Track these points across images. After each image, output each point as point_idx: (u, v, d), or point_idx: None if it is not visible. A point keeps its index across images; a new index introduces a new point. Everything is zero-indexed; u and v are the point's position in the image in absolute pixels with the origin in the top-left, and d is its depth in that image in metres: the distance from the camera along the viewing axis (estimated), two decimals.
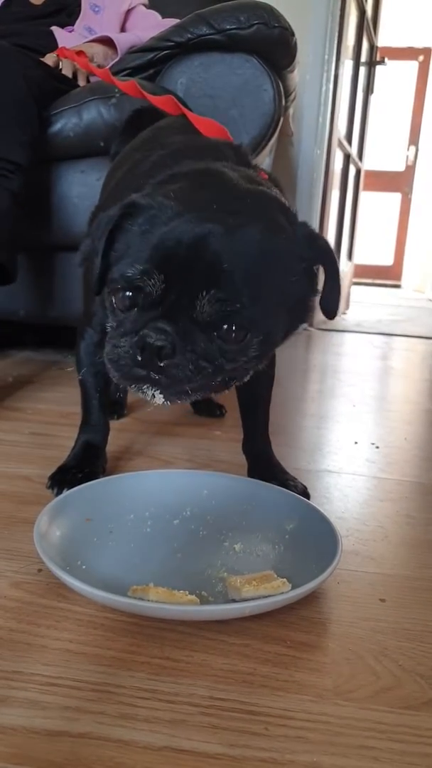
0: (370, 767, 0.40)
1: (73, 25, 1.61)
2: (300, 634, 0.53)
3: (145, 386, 0.53)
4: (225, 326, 0.52)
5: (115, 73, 1.50)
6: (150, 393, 0.53)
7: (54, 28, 1.57)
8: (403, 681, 0.48)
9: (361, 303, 4.29)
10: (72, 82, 1.47)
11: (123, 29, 1.67)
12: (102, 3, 1.64)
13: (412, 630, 0.54)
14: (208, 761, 0.39)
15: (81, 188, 1.44)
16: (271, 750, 0.40)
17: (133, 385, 0.54)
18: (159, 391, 0.53)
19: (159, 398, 0.53)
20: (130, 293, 0.52)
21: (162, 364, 0.51)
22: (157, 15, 1.70)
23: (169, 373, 0.52)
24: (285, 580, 0.54)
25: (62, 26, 1.59)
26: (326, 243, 0.59)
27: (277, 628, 0.53)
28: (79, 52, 1.43)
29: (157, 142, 0.77)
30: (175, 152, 0.68)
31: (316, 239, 0.58)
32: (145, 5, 1.74)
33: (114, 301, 0.55)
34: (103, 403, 0.84)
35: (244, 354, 0.54)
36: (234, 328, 0.52)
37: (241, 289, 0.51)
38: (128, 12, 1.68)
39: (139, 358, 0.51)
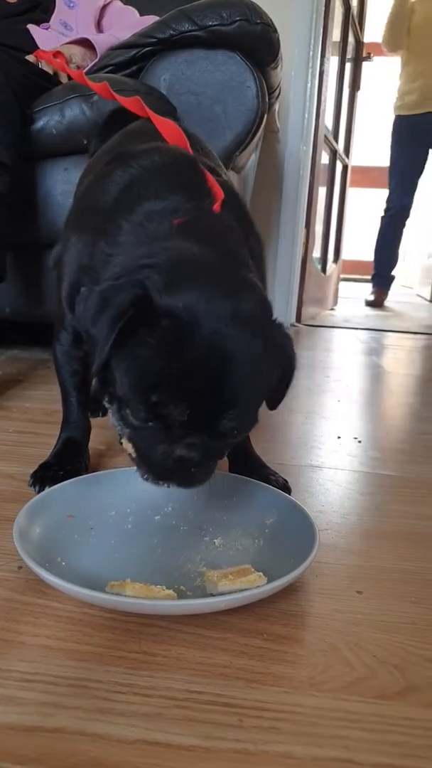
0: (342, 756, 0.40)
1: (48, 21, 1.60)
2: (277, 627, 0.53)
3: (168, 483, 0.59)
4: (234, 434, 0.58)
5: (99, 70, 1.50)
6: (166, 485, 0.59)
7: (30, 27, 1.56)
8: (377, 672, 0.49)
9: (349, 299, 4.31)
10: (54, 79, 1.46)
11: (99, 25, 1.67)
12: None
13: (387, 621, 0.55)
14: (180, 753, 0.39)
15: (64, 186, 1.44)
16: (244, 741, 0.41)
17: (158, 481, 0.59)
18: (179, 486, 0.59)
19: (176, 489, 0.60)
20: (158, 415, 0.54)
21: (192, 471, 0.58)
22: (134, 12, 1.70)
23: (193, 477, 0.59)
24: (261, 573, 0.55)
25: (38, 23, 1.59)
26: (293, 352, 0.62)
27: (255, 621, 0.54)
28: (57, 53, 1.42)
29: (121, 151, 0.77)
30: (137, 180, 0.69)
31: (290, 348, 0.62)
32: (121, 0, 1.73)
33: (131, 413, 0.56)
34: (82, 401, 0.84)
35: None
36: (237, 434, 0.58)
37: (249, 404, 0.57)
38: (104, 8, 1.67)
39: (171, 464, 0.57)
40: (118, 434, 0.61)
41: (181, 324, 0.52)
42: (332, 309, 3.66)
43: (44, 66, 1.46)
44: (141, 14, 1.70)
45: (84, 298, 0.57)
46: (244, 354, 0.53)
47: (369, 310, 3.83)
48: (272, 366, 0.59)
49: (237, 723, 0.42)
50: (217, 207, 0.66)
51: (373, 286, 4.08)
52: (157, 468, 0.58)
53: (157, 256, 0.57)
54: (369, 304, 4.00)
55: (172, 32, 1.38)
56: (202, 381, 0.52)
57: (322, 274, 3.25)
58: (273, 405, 0.64)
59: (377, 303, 3.98)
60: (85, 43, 1.55)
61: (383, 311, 3.85)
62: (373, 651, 0.51)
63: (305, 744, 0.41)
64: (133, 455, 0.60)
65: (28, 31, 1.56)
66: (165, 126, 0.77)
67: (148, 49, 1.44)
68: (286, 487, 0.80)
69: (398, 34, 3.50)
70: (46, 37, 1.57)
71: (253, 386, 0.56)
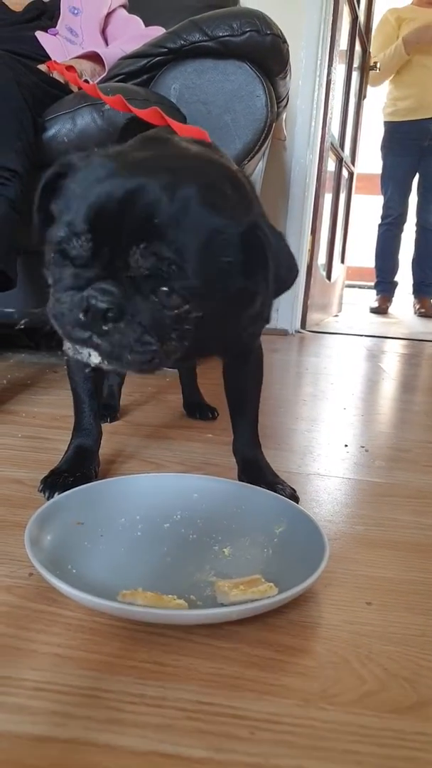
0: None
1: (54, 27, 1.62)
2: (287, 638, 0.53)
3: (86, 348, 0.54)
4: (162, 288, 0.51)
5: (109, 79, 1.51)
6: (87, 353, 0.54)
7: (38, 34, 1.58)
8: (388, 685, 0.48)
9: (353, 305, 4.31)
10: (65, 88, 1.48)
11: (104, 33, 1.68)
12: (80, 5, 1.65)
13: (397, 633, 0.55)
14: (193, 766, 0.39)
15: None
16: (256, 754, 0.41)
17: (74, 345, 0.54)
18: (98, 354, 0.53)
19: (95, 359, 0.54)
20: (63, 251, 0.52)
21: (106, 328, 0.51)
22: (139, 21, 1.71)
23: (112, 339, 0.52)
24: (272, 584, 0.55)
25: (44, 30, 1.60)
26: (269, 241, 0.53)
27: (265, 632, 0.54)
28: (69, 67, 1.44)
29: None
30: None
31: (261, 229, 0.53)
32: (125, 7, 1.74)
33: (50, 259, 0.54)
34: (95, 408, 0.84)
35: (181, 326, 0.52)
36: (171, 291, 0.51)
37: (174, 247, 0.50)
38: (108, 15, 1.69)
39: (83, 318, 0.51)
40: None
41: (94, 169, 0.52)
42: (336, 315, 3.67)
43: (56, 76, 1.47)
44: (146, 25, 1.71)
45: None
46: (167, 188, 0.50)
47: (373, 317, 3.83)
48: (222, 228, 0.52)
49: (248, 735, 0.42)
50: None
51: (377, 294, 4.09)
52: (67, 321, 0.52)
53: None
54: (373, 311, 4.01)
55: (182, 42, 1.39)
56: (107, 211, 0.50)
57: (327, 281, 3.25)
58: (263, 313, 0.55)
59: (381, 310, 4.00)
60: (94, 57, 1.56)
61: (387, 318, 3.85)
62: (384, 664, 0.51)
63: (317, 758, 0.41)
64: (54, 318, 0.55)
65: (35, 38, 1.57)
66: (188, 132, 0.78)
67: (158, 58, 1.45)
68: (294, 497, 0.80)
69: (392, 72, 3.55)
70: (54, 44, 1.58)
71: (184, 231, 0.50)
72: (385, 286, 4.07)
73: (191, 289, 0.51)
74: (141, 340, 0.52)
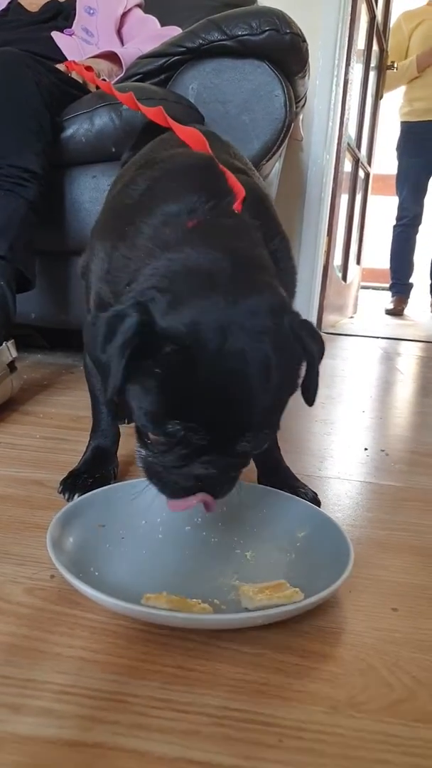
0: None
1: (70, 27, 1.62)
2: (313, 644, 0.53)
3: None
4: (256, 452, 0.58)
5: (127, 78, 1.51)
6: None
7: (54, 34, 1.58)
8: (417, 693, 0.48)
9: (369, 307, 4.28)
10: (83, 88, 1.48)
11: (119, 33, 1.68)
12: (96, 5, 1.65)
13: (425, 641, 0.54)
14: None
15: (93, 193, 1.45)
16: (285, 762, 0.40)
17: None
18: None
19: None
20: (169, 436, 0.53)
21: (209, 488, 0.57)
22: (155, 21, 1.71)
23: (215, 492, 0.58)
24: (297, 589, 0.54)
25: (60, 30, 1.60)
26: (315, 338, 0.58)
27: (290, 637, 0.53)
28: (88, 67, 1.44)
29: (148, 158, 0.78)
30: (157, 183, 0.69)
31: (310, 336, 0.57)
32: (140, 6, 1.74)
33: (150, 440, 0.56)
34: (112, 408, 0.84)
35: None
36: (258, 449, 0.57)
37: (269, 417, 0.55)
38: (124, 15, 1.69)
39: (190, 485, 0.57)
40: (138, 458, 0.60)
41: (184, 350, 0.50)
42: (352, 317, 3.65)
43: (75, 76, 1.48)
44: (162, 24, 1.71)
45: (90, 324, 0.56)
46: (255, 367, 0.51)
47: (389, 319, 3.80)
48: (292, 366, 0.56)
49: (277, 743, 0.42)
50: (237, 205, 0.65)
51: (392, 295, 4.06)
52: (176, 488, 0.57)
53: (163, 271, 0.56)
54: (389, 312, 3.99)
55: (201, 41, 1.39)
56: (216, 408, 0.51)
57: (343, 282, 3.23)
58: (310, 400, 0.61)
59: (396, 312, 3.97)
60: (112, 57, 1.57)
61: (403, 320, 3.82)
62: (413, 672, 0.50)
63: (347, 767, 0.40)
64: (153, 481, 0.59)
65: (51, 38, 1.58)
66: (186, 134, 0.77)
67: (176, 58, 1.45)
68: (315, 500, 0.79)
69: (402, 84, 3.55)
70: (70, 44, 1.59)
71: (271, 396, 0.53)
72: (400, 287, 4.04)
73: (270, 437, 0.59)
74: (234, 481, 0.60)
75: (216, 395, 0.51)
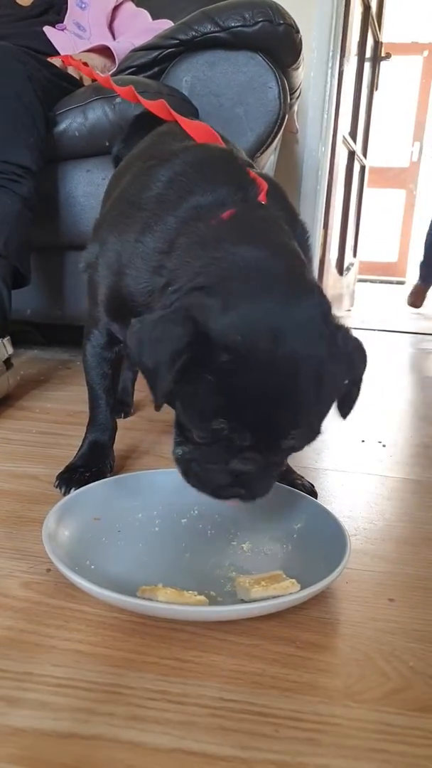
0: None
1: (62, 22, 1.61)
2: (309, 635, 0.53)
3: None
4: (296, 449, 0.57)
5: (120, 72, 1.50)
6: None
7: (46, 29, 1.57)
8: (414, 683, 0.48)
9: (365, 300, 4.28)
10: (76, 81, 1.47)
11: (111, 27, 1.67)
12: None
13: (421, 630, 0.54)
14: (218, 763, 0.39)
15: (87, 187, 1.44)
16: (281, 752, 0.40)
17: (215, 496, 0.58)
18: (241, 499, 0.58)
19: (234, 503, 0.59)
20: (216, 434, 0.53)
21: (248, 484, 0.57)
22: (146, 15, 1.70)
23: (253, 490, 0.57)
24: (294, 580, 0.54)
25: (52, 24, 1.59)
26: (362, 355, 0.58)
27: (286, 628, 0.53)
28: (85, 63, 1.43)
29: (157, 150, 0.77)
30: (180, 175, 0.67)
31: (358, 353, 0.57)
32: (132, 0, 1.74)
33: (195, 436, 0.56)
34: (110, 403, 0.84)
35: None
36: (299, 448, 0.57)
37: (315, 422, 0.55)
38: (115, 9, 1.68)
39: (228, 482, 0.56)
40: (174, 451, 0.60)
41: (239, 357, 0.50)
42: (349, 310, 3.64)
43: (72, 71, 1.47)
44: (154, 18, 1.70)
45: (136, 331, 0.54)
46: (307, 375, 0.51)
47: (386, 311, 3.80)
48: (339, 377, 0.56)
49: (273, 733, 0.42)
50: (263, 197, 0.65)
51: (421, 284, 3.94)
52: (214, 484, 0.57)
53: (209, 271, 0.55)
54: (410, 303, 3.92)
55: (194, 33, 1.38)
56: (265, 410, 0.51)
57: (339, 275, 3.23)
58: (345, 413, 0.60)
59: (415, 303, 3.90)
60: (104, 51, 1.56)
61: (406, 312, 3.81)
62: (409, 661, 0.50)
63: (344, 756, 0.40)
64: (190, 472, 0.59)
65: (44, 33, 1.57)
66: (194, 127, 0.77)
67: (170, 50, 1.44)
68: (312, 492, 0.79)
69: None
70: (62, 39, 1.58)
71: (319, 403, 0.54)
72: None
73: (314, 438, 0.57)
74: (271, 482, 0.59)
75: (266, 399, 0.51)
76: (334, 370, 0.53)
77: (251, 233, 0.59)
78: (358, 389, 0.59)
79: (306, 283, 0.57)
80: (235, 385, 0.50)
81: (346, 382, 0.57)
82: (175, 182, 0.67)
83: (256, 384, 0.50)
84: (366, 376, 0.58)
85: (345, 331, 0.56)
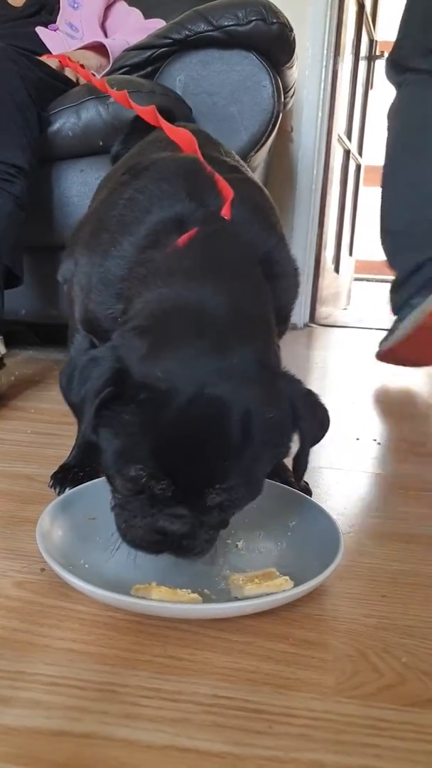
0: (374, 765, 0.40)
1: (54, 22, 1.61)
2: (303, 632, 0.53)
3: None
4: (232, 509, 0.53)
5: (114, 71, 1.50)
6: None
7: (39, 29, 1.58)
8: (406, 678, 0.48)
9: (362, 298, 4.28)
10: (69, 81, 1.47)
11: (103, 26, 1.68)
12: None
13: (413, 626, 0.54)
14: (211, 760, 0.39)
15: (80, 187, 1.44)
16: (274, 748, 0.40)
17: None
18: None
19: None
20: (135, 484, 0.51)
21: (180, 544, 0.53)
22: (139, 14, 1.71)
23: (185, 548, 0.53)
24: (287, 577, 0.54)
25: (45, 25, 1.60)
26: (323, 419, 0.56)
27: (280, 625, 0.53)
28: (81, 65, 1.44)
29: (133, 163, 0.77)
30: (141, 192, 0.66)
31: (302, 400, 0.54)
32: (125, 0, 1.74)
33: (117, 486, 0.53)
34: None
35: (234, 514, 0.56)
36: (238, 504, 0.53)
37: (245, 477, 0.51)
38: (108, 8, 1.68)
39: (153, 539, 0.53)
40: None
41: (158, 396, 0.48)
42: (345, 308, 3.65)
43: (69, 73, 1.47)
44: (146, 17, 1.70)
45: (66, 367, 0.55)
46: (231, 417, 0.48)
47: (382, 310, 3.80)
48: (278, 425, 0.52)
49: (266, 729, 0.42)
50: (225, 211, 0.62)
51: None
52: (140, 540, 0.53)
53: (151, 309, 0.54)
54: None
55: (187, 33, 1.38)
56: (181, 455, 0.48)
57: (336, 274, 3.23)
58: (297, 477, 0.58)
59: None
60: (99, 49, 1.55)
61: None
62: (401, 657, 0.50)
63: (336, 752, 0.40)
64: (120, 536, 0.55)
65: (36, 33, 1.57)
66: (177, 134, 0.76)
67: (163, 49, 1.44)
68: (306, 490, 0.79)
69: None
70: (54, 39, 1.58)
71: (247, 450, 0.49)
72: None
73: (251, 496, 0.53)
74: (209, 541, 0.54)
75: (184, 442, 0.48)
76: (270, 417, 0.50)
77: (203, 265, 0.57)
78: (307, 450, 0.55)
79: (249, 332, 0.54)
80: (153, 427, 0.48)
81: (297, 436, 0.54)
82: (135, 201, 0.66)
83: (175, 426, 0.47)
84: (328, 431, 0.56)
85: (290, 380, 0.54)
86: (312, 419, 0.54)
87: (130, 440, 0.50)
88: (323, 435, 0.57)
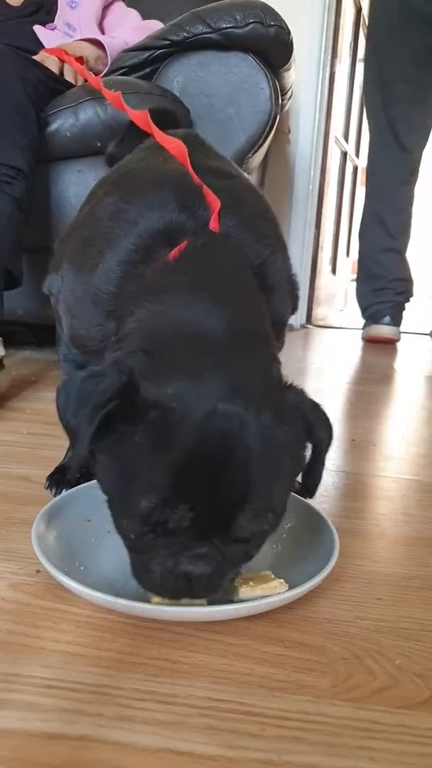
0: None
1: (52, 22, 1.62)
2: (298, 634, 0.53)
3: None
4: (259, 541, 0.50)
5: (112, 72, 1.50)
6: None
7: (36, 28, 1.58)
8: (400, 680, 0.48)
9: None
10: (67, 82, 1.47)
11: (101, 26, 1.68)
12: None
13: (408, 629, 0.55)
14: (205, 763, 0.39)
15: (78, 188, 1.44)
16: (268, 751, 0.40)
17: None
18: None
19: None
20: (150, 521, 0.46)
21: (198, 590, 0.49)
22: (136, 14, 1.71)
23: (208, 589, 0.49)
24: (282, 580, 0.54)
25: (43, 24, 1.60)
26: (329, 430, 0.53)
27: (275, 628, 0.53)
28: (78, 58, 1.43)
29: (126, 171, 0.76)
30: (127, 203, 0.64)
31: (311, 412, 0.52)
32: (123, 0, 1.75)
33: (125, 526, 0.49)
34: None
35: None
36: (265, 536, 0.50)
37: (270, 495, 0.47)
38: (106, 8, 1.69)
39: (176, 585, 0.48)
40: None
41: (169, 414, 0.44)
42: (342, 310, 3.65)
43: (67, 71, 1.45)
44: (144, 18, 1.71)
45: (63, 386, 0.50)
46: (249, 435, 0.45)
47: None
48: (292, 441, 0.49)
49: (260, 732, 0.42)
50: (213, 224, 0.61)
51: None
52: (159, 587, 0.49)
53: (149, 330, 0.52)
54: None
55: (185, 34, 1.39)
56: (202, 476, 0.44)
57: (332, 275, 3.24)
58: (311, 492, 0.55)
59: None
60: (97, 44, 1.56)
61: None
62: (395, 659, 0.50)
63: (330, 755, 0.40)
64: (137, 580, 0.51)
65: (32, 33, 1.57)
66: (167, 142, 0.75)
67: (161, 51, 1.44)
68: (301, 492, 0.79)
69: None
70: (52, 39, 1.58)
71: (271, 470, 0.46)
72: None
73: (277, 524, 0.50)
74: (225, 582, 0.50)
75: (201, 464, 0.43)
76: (283, 433, 0.47)
77: (196, 281, 0.55)
78: (322, 462, 0.53)
79: (252, 348, 0.52)
80: (163, 447, 0.44)
81: (309, 449, 0.52)
82: (122, 213, 0.64)
83: (188, 446, 0.44)
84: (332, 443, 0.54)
85: (302, 396, 0.52)
86: (323, 432, 0.52)
87: (139, 466, 0.45)
88: (329, 445, 0.55)
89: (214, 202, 0.62)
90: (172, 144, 0.74)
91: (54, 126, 1.38)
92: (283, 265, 0.68)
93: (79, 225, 0.75)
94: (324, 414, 0.53)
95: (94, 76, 1.32)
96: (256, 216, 0.69)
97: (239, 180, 0.75)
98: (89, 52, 1.52)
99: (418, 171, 2.33)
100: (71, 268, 0.70)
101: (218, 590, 0.49)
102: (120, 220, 0.64)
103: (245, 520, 0.45)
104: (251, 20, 1.33)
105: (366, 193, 2.40)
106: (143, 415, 0.45)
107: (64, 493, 0.70)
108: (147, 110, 0.90)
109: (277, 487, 0.48)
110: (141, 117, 0.88)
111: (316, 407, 0.52)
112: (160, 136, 0.78)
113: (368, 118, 2.36)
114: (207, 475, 0.44)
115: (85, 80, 1.43)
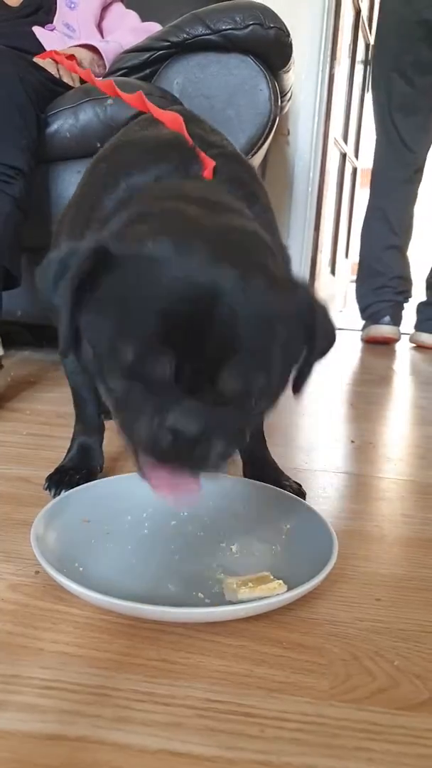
0: None
1: (52, 22, 1.62)
2: (296, 635, 0.53)
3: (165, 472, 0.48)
4: (250, 403, 0.47)
5: (112, 74, 1.50)
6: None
7: (35, 28, 1.58)
8: (399, 682, 0.48)
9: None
10: (66, 84, 1.47)
11: (99, 27, 1.68)
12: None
13: (407, 630, 0.55)
14: (203, 764, 0.39)
15: None
16: (267, 752, 0.40)
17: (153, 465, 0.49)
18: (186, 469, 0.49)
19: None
20: (133, 374, 0.44)
21: (193, 448, 0.46)
22: (135, 16, 1.71)
23: (197, 456, 0.47)
24: (281, 581, 0.54)
25: (42, 25, 1.60)
26: (330, 318, 0.52)
27: (274, 629, 0.53)
28: (70, 56, 1.43)
29: (121, 139, 0.75)
30: (120, 162, 0.65)
31: (318, 310, 0.50)
32: (121, 0, 1.75)
33: (108, 381, 0.47)
34: (96, 404, 0.84)
35: (254, 424, 0.50)
36: (257, 402, 0.48)
37: (261, 358, 0.45)
38: (104, 9, 1.69)
39: (169, 441, 0.45)
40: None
41: (147, 261, 0.43)
42: (341, 311, 3.65)
43: (63, 72, 1.46)
44: (144, 19, 1.71)
45: (43, 267, 0.49)
46: (237, 291, 0.42)
47: None
48: (293, 323, 0.47)
49: (259, 733, 0.42)
50: (207, 173, 0.60)
51: None
52: (148, 447, 0.46)
53: (130, 213, 0.51)
54: None
55: (185, 36, 1.39)
56: (184, 324, 0.41)
57: (332, 276, 3.24)
58: (297, 386, 0.52)
59: None
60: (92, 49, 1.56)
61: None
62: (394, 660, 0.50)
63: (329, 756, 0.40)
64: (125, 442, 0.49)
65: (31, 33, 1.57)
66: (164, 115, 0.75)
67: (161, 52, 1.44)
68: (300, 492, 0.79)
69: None
70: (51, 39, 1.58)
71: (260, 328, 0.44)
72: None
73: (274, 393, 0.49)
74: (225, 453, 0.48)
75: (184, 311, 0.42)
76: (278, 302, 0.45)
77: (188, 193, 0.53)
78: (313, 358, 0.51)
79: (249, 232, 0.49)
80: (144, 293, 0.42)
81: (305, 350, 0.50)
82: (116, 166, 0.64)
83: (174, 294, 0.42)
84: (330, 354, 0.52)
85: (303, 288, 0.50)
86: (324, 338, 0.51)
87: (121, 317, 0.44)
88: (329, 349, 0.53)
89: (208, 161, 0.62)
90: (169, 116, 0.73)
91: (54, 127, 1.38)
92: (274, 226, 0.68)
93: (74, 197, 0.75)
94: (329, 321, 0.51)
95: (82, 70, 1.32)
96: (250, 178, 0.68)
97: (233, 149, 0.75)
98: (83, 55, 1.52)
99: (422, 171, 2.39)
100: (65, 234, 0.70)
101: (208, 462, 0.47)
102: (112, 176, 0.63)
103: (232, 375, 0.43)
104: (251, 22, 1.33)
105: (370, 191, 2.44)
106: (122, 270, 0.44)
107: (64, 494, 0.70)
108: (140, 91, 0.89)
109: (269, 348, 0.45)
110: (136, 98, 0.87)
111: (321, 310, 0.50)
112: (157, 112, 0.77)
113: (375, 117, 2.39)
114: (190, 324, 0.42)
115: (81, 79, 1.43)
